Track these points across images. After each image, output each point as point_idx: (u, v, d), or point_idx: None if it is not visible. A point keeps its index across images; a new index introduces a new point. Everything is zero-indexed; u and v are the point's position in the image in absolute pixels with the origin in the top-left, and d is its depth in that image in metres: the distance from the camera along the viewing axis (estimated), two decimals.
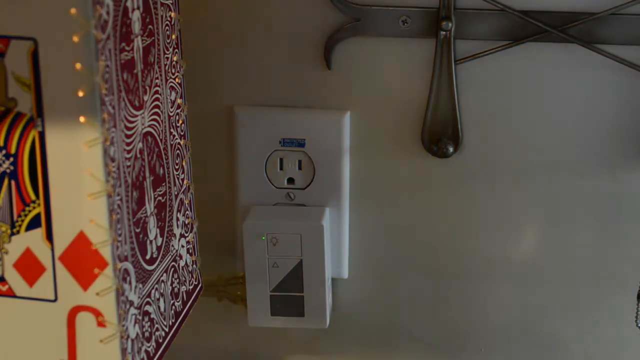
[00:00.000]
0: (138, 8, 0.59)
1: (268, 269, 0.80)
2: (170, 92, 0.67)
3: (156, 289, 0.65)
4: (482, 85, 0.77)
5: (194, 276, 0.74)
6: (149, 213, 0.63)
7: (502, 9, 0.74)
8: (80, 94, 0.53)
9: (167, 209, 0.67)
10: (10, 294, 0.59)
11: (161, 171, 0.66)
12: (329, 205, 0.81)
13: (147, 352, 0.63)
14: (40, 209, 0.57)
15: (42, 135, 0.55)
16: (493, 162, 0.79)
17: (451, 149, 0.78)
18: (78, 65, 0.52)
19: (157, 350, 0.65)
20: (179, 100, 0.69)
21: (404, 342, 0.87)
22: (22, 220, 0.57)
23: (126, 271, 0.59)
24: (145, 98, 0.62)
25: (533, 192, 0.80)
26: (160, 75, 0.65)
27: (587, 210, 0.80)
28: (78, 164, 0.55)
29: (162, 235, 0.66)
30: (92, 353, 0.59)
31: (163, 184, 0.66)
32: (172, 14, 0.66)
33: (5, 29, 0.54)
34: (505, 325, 0.85)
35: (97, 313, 0.58)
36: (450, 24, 0.75)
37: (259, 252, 0.79)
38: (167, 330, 0.67)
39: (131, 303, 0.60)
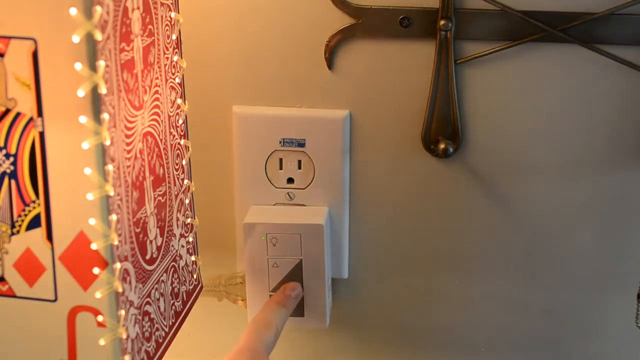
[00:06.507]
0: (138, 8, 0.59)
1: (268, 269, 0.80)
2: (170, 92, 0.67)
3: (156, 289, 0.65)
4: (482, 85, 0.77)
5: (194, 276, 0.74)
6: (149, 213, 0.63)
7: (502, 9, 0.74)
8: (80, 94, 0.53)
9: (167, 209, 0.67)
10: (10, 294, 0.59)
11: (161, 171, 0.66)
12: (329, 205, 0.81)
13: (147, 352, 0.63)
14: (40, 209, 0.57)
15: (42, 135, 0.55)
16: (493, 162, 0.79)
17: (451, 149, 0.78)
18: (78, 65, 0.52)
19: (157, 350, 0.65)
20: (179, 100, 0.69)
21: (404, 342, 0.87)
22: (22, 220, 0.57)
23: (126, 271, 0.59)
24: (145, 98, 0.62)
25: (533, 192, 0.80)
26: (160, 75, 0.65)
27: (587, 209, 0.80)
28: (78, 164, 0.55)
29: (162, 235, 0.66)
30: (92, 353, 0.59)
31: (163, 184, 0.66)
32: (172, 14, 0.66)
33: (5, 29, 0.54)
34: (505, 325, 0.85)
35: (97, 313, 0.58)
36: (450, 24, 0.75)
37: (259, 252, 0.79)
38: (167, 330, 0.67)
39: (131, 303, 0.60)
